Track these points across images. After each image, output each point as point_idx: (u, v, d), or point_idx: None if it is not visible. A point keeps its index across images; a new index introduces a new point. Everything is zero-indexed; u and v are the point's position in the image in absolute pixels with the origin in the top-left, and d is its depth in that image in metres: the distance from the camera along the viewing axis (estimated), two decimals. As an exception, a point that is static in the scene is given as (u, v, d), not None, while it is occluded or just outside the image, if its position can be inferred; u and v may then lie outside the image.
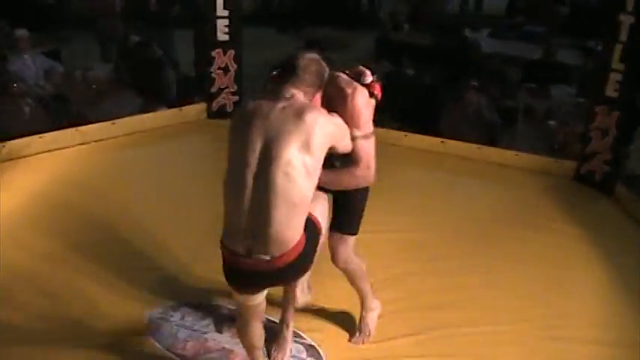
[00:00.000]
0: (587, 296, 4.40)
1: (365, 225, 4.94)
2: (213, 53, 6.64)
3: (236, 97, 6.81)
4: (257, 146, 2.72)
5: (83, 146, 6.35)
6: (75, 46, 8.97)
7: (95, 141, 6.41)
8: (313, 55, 2.94)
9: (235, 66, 6.70)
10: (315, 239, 2.94)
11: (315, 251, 2.98)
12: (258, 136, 2.73)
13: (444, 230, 5.07)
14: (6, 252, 4.58)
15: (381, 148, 6.17)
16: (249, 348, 3.31)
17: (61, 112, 6.91)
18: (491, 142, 6.62)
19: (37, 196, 5.42)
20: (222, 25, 6.51)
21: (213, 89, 6.76)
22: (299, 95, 2.83)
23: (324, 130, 2.75)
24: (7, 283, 4.28)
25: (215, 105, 6.81)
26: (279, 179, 2.67)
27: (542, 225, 5.21)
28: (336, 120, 2.92)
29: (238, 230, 2.76)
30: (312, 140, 2.70)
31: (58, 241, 4.75)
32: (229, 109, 6.81)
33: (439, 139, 6.46)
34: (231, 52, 6.64)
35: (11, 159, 6.04)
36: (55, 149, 6.23)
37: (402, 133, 6.54)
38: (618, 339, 3.99)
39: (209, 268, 4.42)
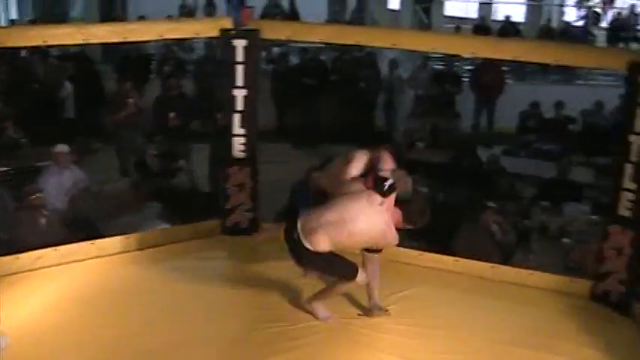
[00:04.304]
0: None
1: (371, 343, 4.96)
2: (229, 170, 6.72)
3: (251, 214, 6.84)
4: None
5: (98, 260, 6.35)
6: (93, 159, 9.14)
7: (110, 255, 6.43)
8: None
9: (251, 183, 6.76)
10: None
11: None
12: None
13: (458, 352, 5.01)
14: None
15: (394, 266, 6.23)
16: None
17: (77, 224, 6.99)
18: (506, 260, 6.59)
19: (45, 311, 5.40)
20: (238, 142, 6.62)
21: (228, 206, 6.82)
22: None
23: None
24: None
25: (229, 221, 6.83)
26: None
27: (559, 347, 5.11)
28: None
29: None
30: None
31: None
32: (244, 225, 6.83)
33: (452, 258, 6.42)
34: (247, 170, 6.72)
35: (23, 271, 6.05)
36: (69, 262, 6.25)
37: (416, 252, 6.51)
38: None
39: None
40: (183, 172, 8.09)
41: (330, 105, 11.86)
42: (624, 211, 5.63)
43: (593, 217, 7.45)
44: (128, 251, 6.48)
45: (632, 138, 5.50)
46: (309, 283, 5.61)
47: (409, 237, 6.79)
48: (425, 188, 8.07)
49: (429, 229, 6.92)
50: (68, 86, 10.57)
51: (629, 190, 5.58)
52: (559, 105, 11.10)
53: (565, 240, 7.33)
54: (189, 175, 8.38)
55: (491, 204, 6.99)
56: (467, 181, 8.31)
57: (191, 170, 8.63)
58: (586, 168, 9.59)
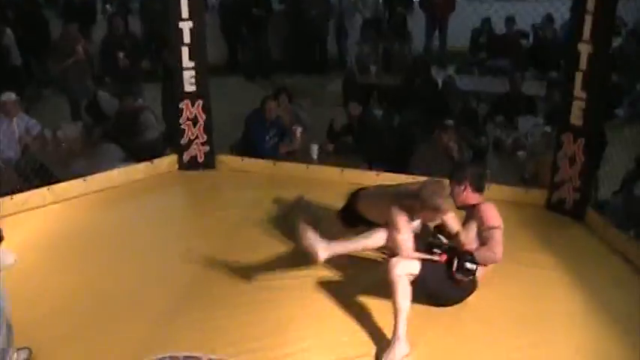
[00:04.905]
0: (567, 326, 4.40)
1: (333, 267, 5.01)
2: (182, 105, 6.66)
3: (206, 148, 6.81)
4: None
5: (55, 205, 6.30)
6: (43, 105, 8.97)
7: (67, 199, 6.38)
8: None
9: (204, 116, 6.71)
10: None
11: None
12: None
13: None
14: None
15: (352, 188, 6.24)
16: None
17: (32, 171, 6.89)
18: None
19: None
20: (188, 76, 6.55)
21: (184, 141, 6.77)
22: None
23: None
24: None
25: (186, 156, 6.81)
26: None
27: (518, 256, 5.18)
28: None
29: None
30: None
31: (27, 308, 4.67)
32: (200, 159, 6.81)
33: (411, 177, 6.46)
34: (199, 103, 6.66)
35: (-21, 221, 5.96)
36: (27, 209, 6.18)
37: (373, 173, 6.56)
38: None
39: (185, 322, 4.41)
40: (147, 110, 7.93)
41: (280, 35, 11.75)
42: (576, 119, 5.70)
43: (547, 128, 7.52)
44: (85, 194, 6.43)
45: (582, 47, 5.53)
46: (269, 214, 5.67)
47: (365, 158, 6.88)
48: (380, 111, 8.11)
49: (388, 151, 7.07)
50: (9, 33, 10.23)
51: (580, 99, 5.64)
52: (510, 20, 11.08)
53: (520, 153, 7.41)
54: (151, 112, 8.26)
55: (449, 122, 7.01)
56: (422, 103, 8.31)
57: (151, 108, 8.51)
58: (539, 81, 9.64)
